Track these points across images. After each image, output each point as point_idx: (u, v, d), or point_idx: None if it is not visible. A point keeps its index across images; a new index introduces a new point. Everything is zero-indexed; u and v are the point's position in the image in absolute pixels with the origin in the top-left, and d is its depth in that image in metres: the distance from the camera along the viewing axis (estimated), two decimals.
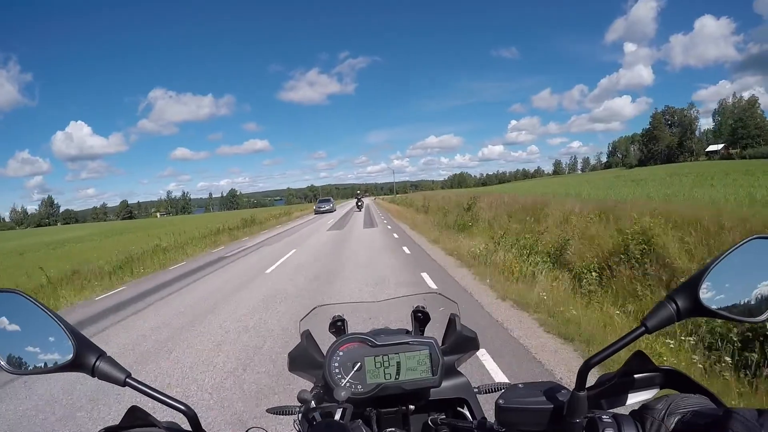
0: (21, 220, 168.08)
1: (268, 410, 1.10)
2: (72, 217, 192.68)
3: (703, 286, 0.69)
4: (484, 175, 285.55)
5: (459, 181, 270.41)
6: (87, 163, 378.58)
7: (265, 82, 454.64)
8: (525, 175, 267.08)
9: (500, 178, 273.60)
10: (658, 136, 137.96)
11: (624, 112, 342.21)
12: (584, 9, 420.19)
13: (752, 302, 0.70)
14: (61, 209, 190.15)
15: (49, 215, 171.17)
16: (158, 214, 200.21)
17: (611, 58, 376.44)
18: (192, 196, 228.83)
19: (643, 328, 0.71)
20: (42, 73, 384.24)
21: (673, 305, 0.70)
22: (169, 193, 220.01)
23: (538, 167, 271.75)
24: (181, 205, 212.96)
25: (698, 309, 0.69)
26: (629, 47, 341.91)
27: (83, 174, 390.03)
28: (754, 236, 0.71)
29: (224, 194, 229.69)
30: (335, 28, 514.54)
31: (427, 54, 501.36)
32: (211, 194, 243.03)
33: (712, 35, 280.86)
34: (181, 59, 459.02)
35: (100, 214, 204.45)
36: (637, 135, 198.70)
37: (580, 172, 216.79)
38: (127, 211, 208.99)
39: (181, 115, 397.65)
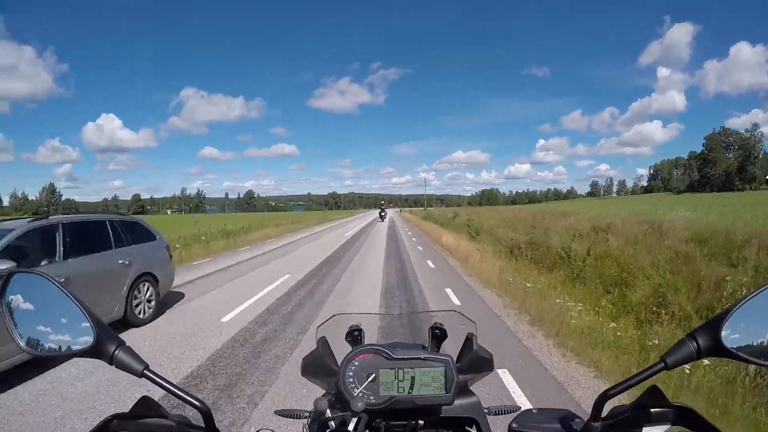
0: (20, 206, 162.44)
1: (276, 412, 1.08)
2: (73, 207, 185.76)
3: (726, 326, 0.69)
4: (513, 193, 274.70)
5: (488, 197, 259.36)
6: (116, 155, 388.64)
7: (296, 88, 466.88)
8: (557, 196, 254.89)
9: (530, 197, 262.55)
10: (714, 160, 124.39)
11: (654, 137, 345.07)
12: (619, 31, 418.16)
13: None
14: (63, 198, 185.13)
15: (50, 203, 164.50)
16: (169, 211, 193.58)
17: (644, 82, 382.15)
18: (209, 195, 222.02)
19: (663, 364, 0.72)
20: (78, 64, 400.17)
21: (694, 343, 0.70)
22: (183, 190, 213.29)
23: (572, 188, 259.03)
24: (195, 203, 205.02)
25: (719, 349, 0.69)
26: (662, 72, 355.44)
27: (111, 166, 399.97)
28: None
29: (241, 195, 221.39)
30: (369, 38, 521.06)
31: (459, 69, 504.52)
32: (227, 194, 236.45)
33: (747, 62, 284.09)
34: (214, 60, 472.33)
35: (111, 206, 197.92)
36: (682, 159, 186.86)
37: (614, 195, 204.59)
38: (139, 206, 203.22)
39: (211, 115, 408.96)
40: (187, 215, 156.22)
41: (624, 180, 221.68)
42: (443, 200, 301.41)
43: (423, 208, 78.23)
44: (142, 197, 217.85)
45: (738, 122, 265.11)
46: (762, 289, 0.69)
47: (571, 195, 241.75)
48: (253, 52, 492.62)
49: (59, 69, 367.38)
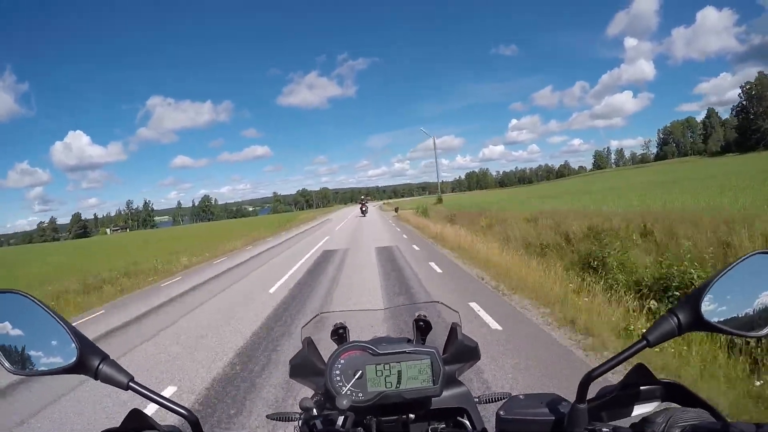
0: None
1: (268, 416, 1.11)
2: None
3: (705, 300, 0.70)
4: (501, 173, 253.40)
5: (478, 180, 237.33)
6: (87, 173, 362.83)
7: (264, 86, 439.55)
8: (548, 172, 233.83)
9: (520, 177, 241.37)
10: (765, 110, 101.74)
11: (625, 107, 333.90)
12: (585, 3, 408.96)
13: (754, 317, 0.71)
14: None
15: None
16: (108, 230, 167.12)
17: (612, 54, 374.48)
18: (157, 207, 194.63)
19: (645, 342, 0.72)
20: (39, 82, 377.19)
21: (675, 319, 0.71)
22: (129, 203, 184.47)
23: (566, 162, 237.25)
24: (142, 218, 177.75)
25: (700, 323, 0.70)
26: (630, 42, 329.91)
27: (84, 184, 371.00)
28: (756, 252, 0.72)
29: (195, 203, 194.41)
30: (333, 29, 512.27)
31: (427, 54, 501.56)
32: (180, 203, 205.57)
33: (714, 27, 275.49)
34: (178, 66, 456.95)
35: (48, 231, 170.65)
36: (693, 119, 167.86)
37: (613, 166, 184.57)
38: (80, 227, 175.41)
39: (180, 123, 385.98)
40: (134, 232, 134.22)
41: (623, 150, 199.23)
42: (425, 188, 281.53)
43: (435, 197, 56.33)
44: (83, 216, 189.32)
45: (706, 87, 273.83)
46: (738, 261, 0.71)
47: (569, 172, 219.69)
48: (218, 53, 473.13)
49: (20, 89, 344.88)
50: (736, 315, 0.71)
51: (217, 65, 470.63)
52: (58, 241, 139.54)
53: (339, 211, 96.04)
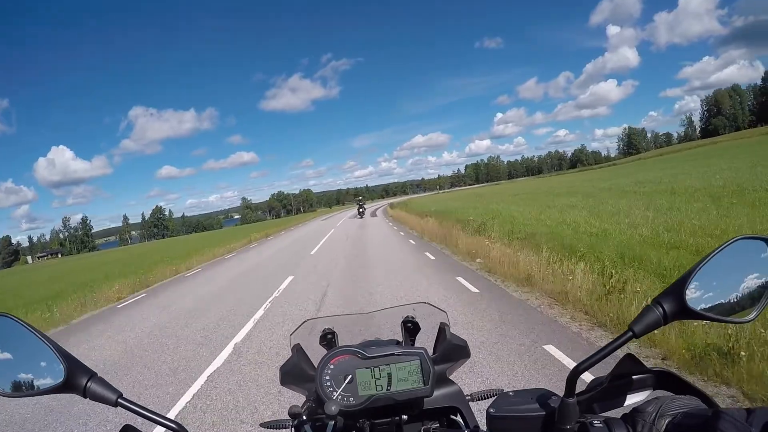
0: None
1: (261, 425, 1.12)
2: None
3: (690, 288, 0.70)
4: (505, 163, 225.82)
5: (487, 170, 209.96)
6: (72, 188, 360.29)
7: (247, 91, 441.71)
8: (560, 160, 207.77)
9: (528, 165, 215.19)
10: None
11: (610, 96, 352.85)
12: None
13: (739, 303, 0.71)
14: None
15: None
16: (29, 259, 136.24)
17: (596, 43, 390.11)
18: (96, 228, 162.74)
19: (631, 333, 0.72)
20: (18, 98, 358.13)
21: (660, 309, 0.71)
22: (66, 221, 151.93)
23: (582, 146, 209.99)
24: (80, 239, 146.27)
25: (685, 312, 0.70)
26: (613, 30, 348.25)
27: (70, 200, 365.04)
28: (738, 237, 0.72)
29: (146, 216, 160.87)
30: (316, 30, 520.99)
31: (412, 52, 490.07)
32: (126, 218, 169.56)
33: (696, 11, 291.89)
34: (158, 74, 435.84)
35: None
36: (739, 87, 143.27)
37: (673, 144, 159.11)
38: (10, 253, 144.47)
39: (163, 133, 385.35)
40: (66, 258, 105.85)
41: (656, 132, 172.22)
42: (420, 186, 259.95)
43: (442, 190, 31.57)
44: (13, 240, 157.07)
45: (690, 71, 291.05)
46: (721, 247, 0.71)
47: (584, 157, 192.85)
48: (199, 59, 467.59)
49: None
50: (721, 301, 0.71)
51: (199, 72, 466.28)
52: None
53: (327, 216, 69.99)
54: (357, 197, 52.38)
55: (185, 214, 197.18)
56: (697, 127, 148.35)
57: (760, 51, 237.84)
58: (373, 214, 46.96)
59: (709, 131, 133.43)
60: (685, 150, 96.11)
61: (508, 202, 31.04)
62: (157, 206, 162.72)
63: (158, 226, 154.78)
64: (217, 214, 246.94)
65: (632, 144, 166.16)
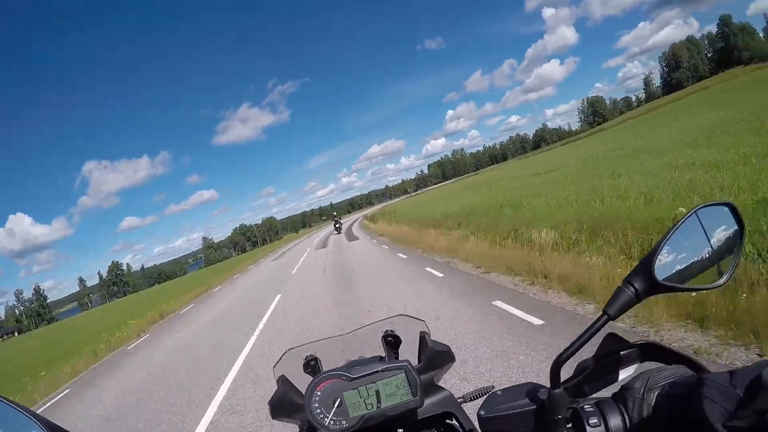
0: None
1: None
2: None
3: (657, 263, 0.71)
4: (468, 155, 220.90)
5: (453, 165, 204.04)
6: (36, 255, 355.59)
7: (197, 129, 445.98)
8: (523, 143, 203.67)
9: (491, 154, 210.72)
10: None
11: (554, 76, 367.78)
12: None
13: (708, 269, 0.73)
14: None
15: None
16: None
17: (534, 27, 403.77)
18: (61, 294, 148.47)
19: (606, 317, 0.73)
20: None
21: (631, 288, 0.72)
22: (18, 294, 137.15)
23: (544, 125, 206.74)
24: (35, 310, 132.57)
25: (656, 287, 0.71)
26: (549, 12, 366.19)
27: (35, 268, 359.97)
28: (698, 206, 0.74)
29: (104, 275, 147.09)
30: (257, 57, 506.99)
31: (355, 64, 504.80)
32: (83, 282, 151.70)
33: None
34: (106, 125, 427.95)
35: None
36: (693, 38, 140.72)
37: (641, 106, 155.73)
38: None
39: (119, 183, 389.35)
40: (24, 336, 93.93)
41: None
42: (384, 193, 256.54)
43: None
44: None
45: (628, 39, 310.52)
46: (681, 221, 0.72)
47: (547, 135, 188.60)
48: (146, 103, 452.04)
49: None
50: (690, 271, 0.72)
51: (148, 116, 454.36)
52: None
53: (293, 243, 62.73)
54: (333, 213, 51.85)
55: (149, 264, 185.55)
56: (657, 85, 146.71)
57: (693, 7, 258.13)
58: (351, 236, 35.00)
59: (672, 86, 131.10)
60: (661, 107, 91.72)
61: (529, 187, 23.90)
62: (113, 262, 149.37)
63: (117, 283, 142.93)
64: (186, 258, 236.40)
65: (597, 113, 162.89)
